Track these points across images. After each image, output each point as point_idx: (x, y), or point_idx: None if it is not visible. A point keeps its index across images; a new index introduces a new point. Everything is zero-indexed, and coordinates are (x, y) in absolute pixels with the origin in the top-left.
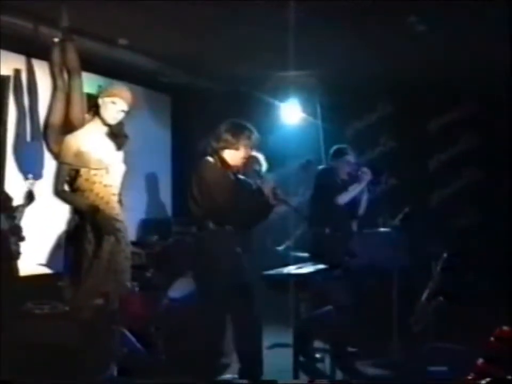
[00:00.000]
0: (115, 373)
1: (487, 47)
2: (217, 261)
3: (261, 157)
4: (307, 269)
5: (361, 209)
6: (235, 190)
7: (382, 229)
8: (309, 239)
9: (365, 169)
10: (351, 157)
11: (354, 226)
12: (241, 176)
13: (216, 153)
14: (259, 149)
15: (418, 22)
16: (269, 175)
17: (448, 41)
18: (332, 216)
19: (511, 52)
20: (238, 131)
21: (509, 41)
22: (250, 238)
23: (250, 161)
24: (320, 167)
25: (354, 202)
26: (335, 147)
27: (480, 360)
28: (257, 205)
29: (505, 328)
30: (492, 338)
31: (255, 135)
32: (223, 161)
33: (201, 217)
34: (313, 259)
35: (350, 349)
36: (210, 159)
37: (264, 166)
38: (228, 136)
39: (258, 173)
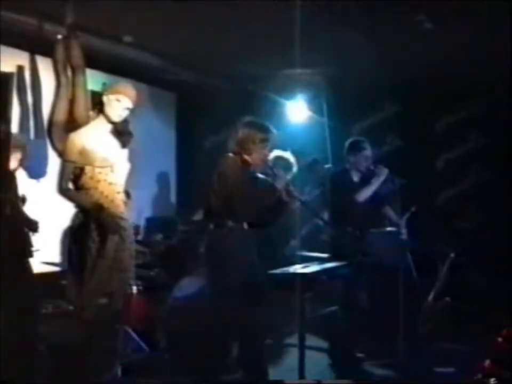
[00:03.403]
0: (119, 372)
1: (494, 46)
2: (234, 259)
3: (291, 158)
4: (313, 268)
5: (364, 196)
6: (252, 187)
7: (388, 229)
8: (322, 239)
9: (381, 166)
10: (368, 151)
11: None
12: (258, 174)
13: (235, 151)
14: (285, 149)
15: (426, 20)
16: (282, 172)
17: (456, 40)
18: (352, 216)
19: None
20: (252, 134)
21: None
22: (263, 236)
23: (278, 161)
24: (334, 169)
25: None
26: (351, 140)
27: (487, 361)
28: (270, 201)
29: None
30: (499, 339)
31: (272, 135)
32: (242, 159)
33: (221, 212)
34: (333, 259)
35: (357, 354)
36: (231, 155)
37: (294, 167)
38: (242, 140)
39: (272, 170)
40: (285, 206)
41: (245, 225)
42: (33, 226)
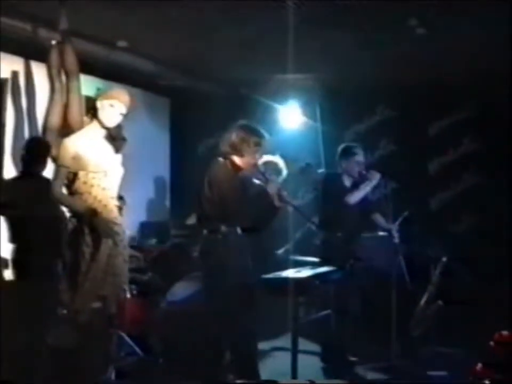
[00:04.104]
0: (113, 376)
1: (487, 50)
2: (229, 264)
3: (280, 162)
4: (306, 272)
5: (355, 199)
6: (243, 191)
7: (381, 233)
8: (315, 243)
9: (373, 171)
10: (360, 157)
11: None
12: (249, 178)
13: (226, 155)
14: (273, 153)
15: (418, 25)
16: (274, 177)
17: (448, 44)
18: (342, 220)
19: (511, 55)
20: (246, 137)
21: (509, 44)
22: (256, 241)
23: (267, 166)
24: (326, 172)
25: (365, 204)
26: (343, 145)
27: (480, 365)
28: (263, 206)
29: (504, 332)
30: (492, 343)
31: (265, 140)
32: (233, 163)
33: (215, 218)
34: (323, 263)
35: (350, 358)
36: (221, 160)
37: (284, 171)
38: (236, 142)
39: (264, 175)
40: (276, 211)
41: (238, 230)
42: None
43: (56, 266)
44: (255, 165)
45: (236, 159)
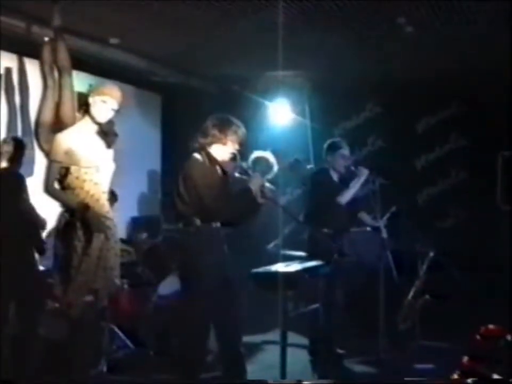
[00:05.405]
0: (104, 369)
1: (474, 49)
2: (202, 258)
3: (271, 158)
4: (295, 267)
5: (346, 199)
6: (222, 187)
7: (368, 228)
8: (304, 238)
9: (361, 167)
10: (345, 151)
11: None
12: (229, 173)
13: (204, 149)
14: (265, 149)
15: (407, 23)
16: (257, 173)
17: (436, 42)
18: (330, 215)
19: (498, 54)
20: (225, 126)
21: (496, 42)
22: (238, 235)
23: (258, 161)
24: (315, 168)
25: (352, 200)
26: (329, 141)
27: (466, 358)
28: (245, 203)
29: (490, 326)
30: (478, 337)
31: (242, 130)
32: (210, 158)
33: (187, 214)
34: (309, 258)
35: (338, 351)
36: (197, 156)
37: (275, 167)
38: (215, 131)
39: (246, 171)
40: (258, 207)
41: (214, 224)
42: (42, 223)
43: (31, 258)
44: (234, 155)
45: (213, 151)
